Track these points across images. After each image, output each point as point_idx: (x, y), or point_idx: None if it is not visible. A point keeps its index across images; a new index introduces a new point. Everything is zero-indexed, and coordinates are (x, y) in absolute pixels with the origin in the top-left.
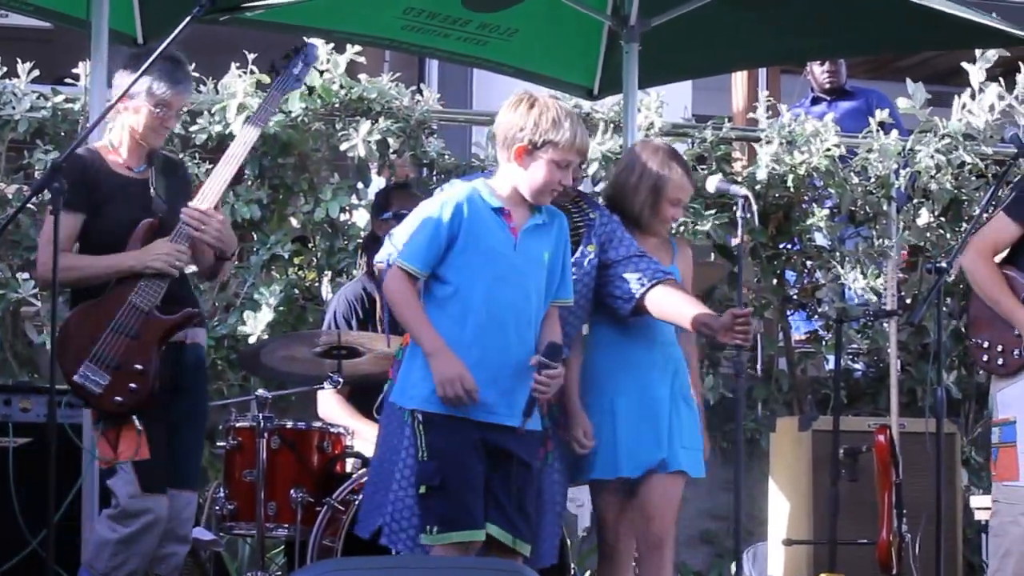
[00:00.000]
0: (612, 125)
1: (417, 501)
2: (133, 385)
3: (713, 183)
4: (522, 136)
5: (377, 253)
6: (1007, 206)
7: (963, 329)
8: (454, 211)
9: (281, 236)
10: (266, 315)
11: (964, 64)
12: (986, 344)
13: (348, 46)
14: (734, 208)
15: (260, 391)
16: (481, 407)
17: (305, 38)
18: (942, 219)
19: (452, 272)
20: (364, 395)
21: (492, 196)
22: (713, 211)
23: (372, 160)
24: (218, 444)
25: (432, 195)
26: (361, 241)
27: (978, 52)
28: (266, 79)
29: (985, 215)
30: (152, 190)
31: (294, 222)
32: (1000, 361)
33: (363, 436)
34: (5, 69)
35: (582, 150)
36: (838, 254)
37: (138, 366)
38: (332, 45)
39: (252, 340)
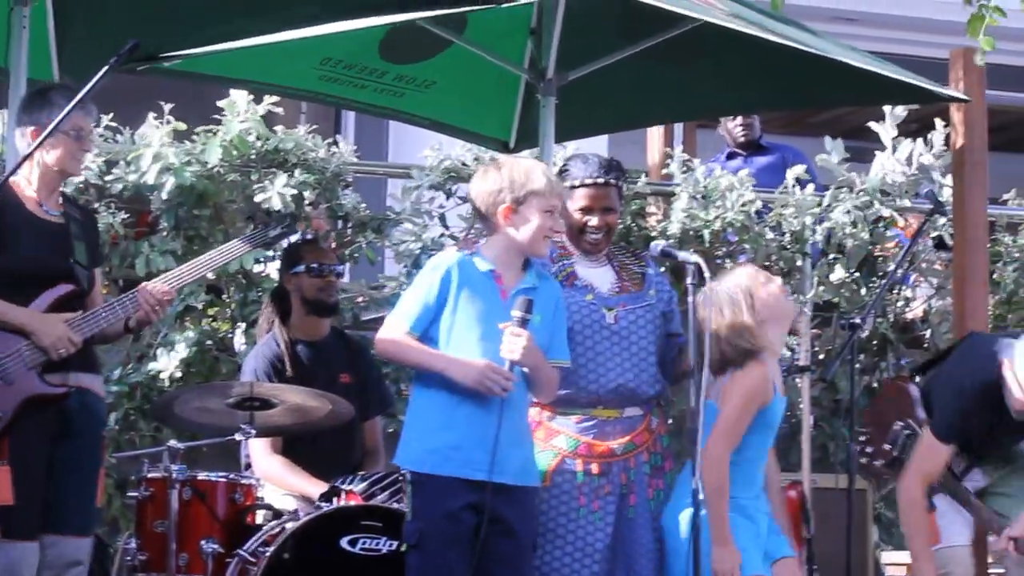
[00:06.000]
0: None
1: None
2: None
3: (658, 247)
4: (503, 198)
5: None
6: (935, 428)
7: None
8: (443, 275)
9: (195, 287)
10: (181, 352)
11: (872, 124)
12: (870, 448)
13: (266, 96)
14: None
15: (172, 442)
16: (472, 464)
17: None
18: (856, 274)
19: (444, 332)
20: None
21: (483, 261)
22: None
23: (287, 212)
24: (130, 494)
25: (345, 248)
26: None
27: (887, 109)
28: (182, 126)
29: (900, 271)
30: (73, 247)
31: (208, 273)
32: (878, 462)
33: (313, 498)
34: None
35: (561, 190)
36: None
37: None
38: (251, 96)
39: (164, 376)
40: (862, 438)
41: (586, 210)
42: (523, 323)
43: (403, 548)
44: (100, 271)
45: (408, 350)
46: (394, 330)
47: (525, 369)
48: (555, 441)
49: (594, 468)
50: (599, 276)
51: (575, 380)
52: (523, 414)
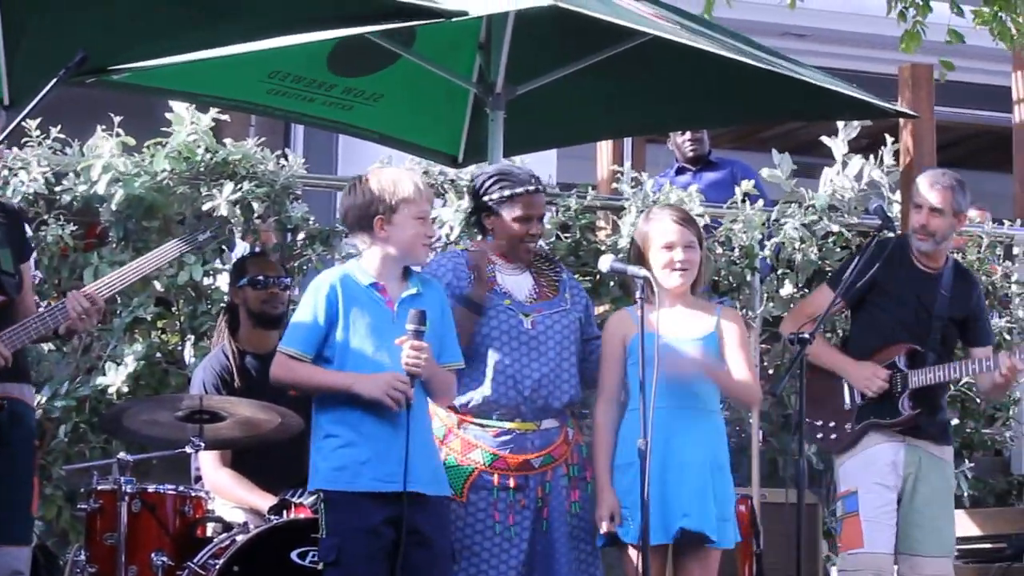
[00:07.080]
0: None
1: None
2: None
3: (606, 263)
4: (374, 209)
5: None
6: (830, 276)
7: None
8: (328, 293)
9: (144, 299)
10: (130, 365)
11: (824, 138)
12: (819, 423)
13: (211, 108)
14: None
15: (122, 454)
16: (384, 477)
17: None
18: (806, 290)
19: (337, 351)
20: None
21: (364, 275)
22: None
23: (235, 223)
24: (79, 507)
25: (295, 260)
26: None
27: (840, 124)
28: (131, 141)
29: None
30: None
31: (157, 285)
32: (834, 436)
33: (262, 511)
34: None
35: (431, 196)
36: None
37: None
38: (191, 106)
39: (112, 391)
40: (819, 423)
41: (525, 219)
42: (418, 335)
43: (320, 567)
44: (28, 265)
45: (308, 374)
46: (288, 358)
47: (422, 378)
48: (472, 455)
49: (511, 482)
50: (517, 283)
51: (494, 386)
52: (428, 424)
